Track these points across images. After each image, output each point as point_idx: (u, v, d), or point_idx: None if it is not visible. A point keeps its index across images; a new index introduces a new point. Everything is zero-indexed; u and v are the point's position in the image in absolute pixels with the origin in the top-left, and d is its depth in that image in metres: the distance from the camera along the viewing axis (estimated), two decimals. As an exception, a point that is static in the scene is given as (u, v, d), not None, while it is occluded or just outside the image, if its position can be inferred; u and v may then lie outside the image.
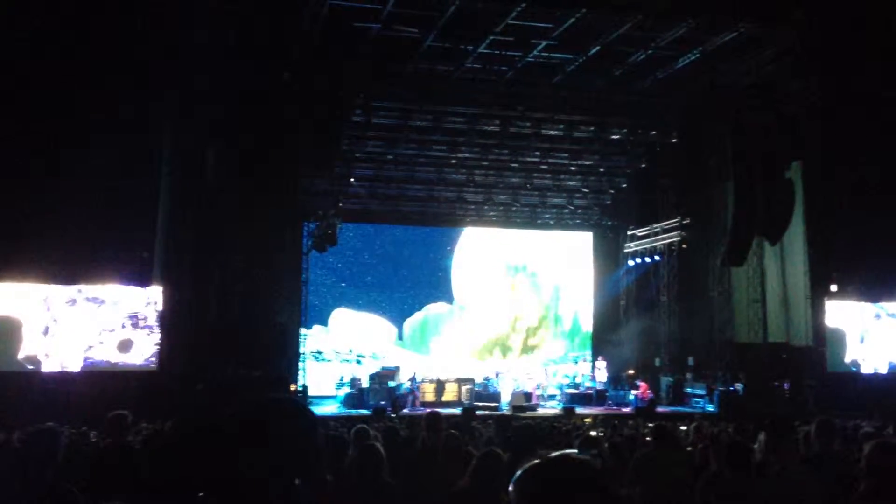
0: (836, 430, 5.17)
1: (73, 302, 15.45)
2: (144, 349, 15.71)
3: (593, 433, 8.87)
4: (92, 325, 15.49)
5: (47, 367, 15.14)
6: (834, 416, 6.29)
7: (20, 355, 15.07)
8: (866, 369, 18.59)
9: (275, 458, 1.45)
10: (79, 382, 14.65)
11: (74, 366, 15.25)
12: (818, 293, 18.23)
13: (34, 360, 15.11)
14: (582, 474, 1.39)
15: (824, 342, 18.30)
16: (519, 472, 1.42)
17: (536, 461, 1.43)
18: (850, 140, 16.70)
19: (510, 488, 1.41)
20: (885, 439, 3.78)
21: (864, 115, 16.33)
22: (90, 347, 15.41)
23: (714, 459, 5.48)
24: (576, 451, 1.45)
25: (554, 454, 1.46)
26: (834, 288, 18.40)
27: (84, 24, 13.91)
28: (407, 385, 19.09)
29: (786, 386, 18.34)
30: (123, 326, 15.64)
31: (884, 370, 18.67)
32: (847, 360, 18.53)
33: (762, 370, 19.10)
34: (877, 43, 14.99)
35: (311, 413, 1.55)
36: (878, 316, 18.93)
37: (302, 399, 17.48)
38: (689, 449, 6.93)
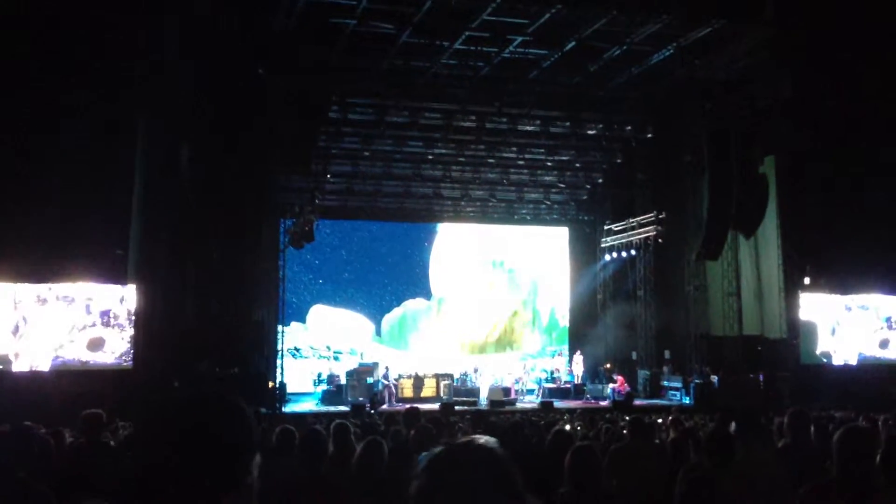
0: (809, 421, 5.25)
1: (44, 301, 15.19)
2: (116, 347, 15.49)
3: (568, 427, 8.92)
4: (62, 323, 15.24)
5: (17, 366, 14.87)
6: (807, 408, 6.39)
7: (-10, 355, 14.80)
8: (837, 361, 18.89)
9: (201, 453, 1.42)
10: (50, 382, 14.42)
11: (44, 365, 15.01)
12: (791, 286, 18.50)
13: (4, 360, 14.82)
14: (486, 459, 1.40)
15: (798, 334, 18.57)
16: (425, 457, 1.42)
17: (441, 447, 1.43)
18: (823, 134, 16.94)
19: (417, 474, 1.40)
20: (854, 425, 3.85)
21: (836, 109, 16.57)
22: (61, 346, 15.17)
23: (691, 450, 5.55)
24: (483, 437, 1.45)
25: (460, 440, 1.47)
26: (807, 281, 18.68)
27: (56, 21, 13.67)
28: (382, 381, 19.04)
29: (760, 378, 18.60)
30: (94, 325, 15.39)
31: (854, 361, 19.00)
32: (818, 351, 18.82)
33: (737, 362, 19.36)
34: (848, 38, 15.21)
35: (241, 408, 1.51)
36: (848, 308, 19.24)
37: (280, 395, 17.41)
38: (657, 442, 6.99)
